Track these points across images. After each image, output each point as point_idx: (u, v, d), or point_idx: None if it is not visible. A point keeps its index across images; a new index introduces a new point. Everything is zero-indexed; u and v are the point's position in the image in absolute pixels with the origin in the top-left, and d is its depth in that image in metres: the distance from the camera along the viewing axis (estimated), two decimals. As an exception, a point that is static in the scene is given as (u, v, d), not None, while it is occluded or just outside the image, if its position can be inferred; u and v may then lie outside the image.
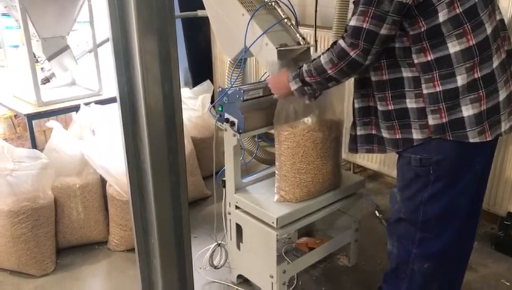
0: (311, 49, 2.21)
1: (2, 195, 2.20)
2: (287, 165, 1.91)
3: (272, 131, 1.99)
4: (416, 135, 1.47)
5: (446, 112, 1.40)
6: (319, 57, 1.53)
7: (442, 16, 1.34)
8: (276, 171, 1.97)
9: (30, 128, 2.90)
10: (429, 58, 1.39)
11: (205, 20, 3.39)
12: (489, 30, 1.38)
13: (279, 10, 2.05)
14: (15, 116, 3.46)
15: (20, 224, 2.19)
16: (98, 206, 2.47)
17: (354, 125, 1.65)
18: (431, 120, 1.42)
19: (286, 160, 1.91)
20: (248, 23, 1.92)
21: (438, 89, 1.39)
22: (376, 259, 2.35)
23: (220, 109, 1.96)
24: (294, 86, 1.65)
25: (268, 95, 1.96)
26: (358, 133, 1.63)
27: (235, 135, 1.93)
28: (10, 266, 2.27)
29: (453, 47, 1.36)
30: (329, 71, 1.50)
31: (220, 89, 1.96)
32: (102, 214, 2.49)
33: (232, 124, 1.92)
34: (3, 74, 3.63)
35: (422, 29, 1.37)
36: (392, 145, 1.55)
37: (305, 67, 1.59)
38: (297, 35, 2.02)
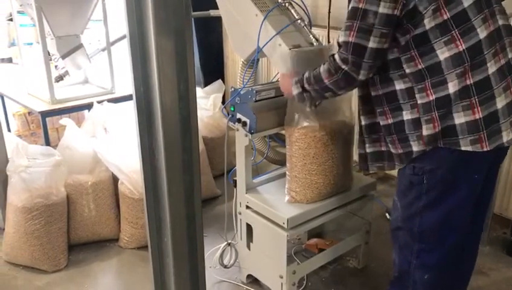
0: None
1: (16, 191, 2.23)
2: (298, 166, 1.91)
3: (283, 132, 1.99)
4: (415, 147, 1.45)
5: (439, 120, 1.36)
6: (320, 66, 1.55)
7: (428, 23, 1.33)
8: (287, 172, 1.97)
9: (44, 126, 2.94)
10: (420, 67, 1.36)
11: (217, 20, 3.40)
12: (482, 35, 1.33)
13: (292, 11, 2.05)
14: (29, 113, 3.50)
15: (34, 220, 2.22)
16: (110, 203, 2.49)
17: (362, 143, 1.62)
18: (425, 130, 1.39)
19: (297, 161, 1.91)
20: (261, 24, 1.92)
21: (431, 98, 1.36)
22: (386, 262, 2.33)
23: (232, 109, 1.97)
24: (295, 91, 1.67)
25: (281, 95, 1.96)
26: (368, 150, 1.61)
27: (246, 135, 1.94)
28: (23, 261, 2.30)
29: (443, 54, 1.33)
30: (325, 81, 1.52)
31: (233, 89, 1.96)
32: (114, 211, 2.51)
33: (244, 124, 1.93)
34: (18, 72, 3.68)
35: (410, 36, 1.35)
36: (399, 160, 1.53)
37: (306, 74, 1.61)
38: (311, 36, 2.02)
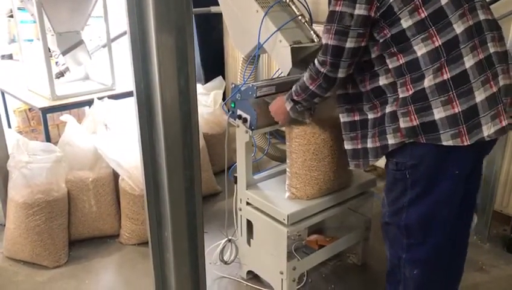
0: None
1: (17, 187, 2.24)
2: (298, 163, 1.91)
3: (284, 128, 1.99)
4: (390, 140, 1.46)
5: (416, 114, 1.38)
6: (304, 75, 1.62)
7: (405, 22, 1.36)
8: (288, 169, 1.97)
9: (44, 122, 2.93)
10: (401, 62, 1.40)
11: (218, 16, 3.40)
12: (459, 30, 1.35)
13: (293, 7, 2.04)
14: (29, 109, 3.50)
15: (34, 216, 2.22)
16: (110, 199, 2.49)
17: (342, 140, 1.67)
18: (402, 123, 1.41)
19: (297, 157, 1.91)
20: (262, 20, 1.92)
21: (410, 92, 1.39)
22: (385, 258, 2.34)
23: (233, 105, 1.97)
24: (288, 106, 1.76)
25: (281, 92, 1.96)
26: (346, 147, 1.65)
27: (247, 132, 1.94)
28: (24, 257, 2.31)
29: (420, 50, 1.36)
30: (310, 87, 1.60)
31: (233, 85, 1.96)
32: (114, 207, 2.51)
33: (245, 120, 1.93)
34: (18, 68, 3.67)
35: (388, 36, 1.40)
36: (374, 154, 1.56)
37: (293, 87, 1.70)
38: (311, 32, 2.02)
